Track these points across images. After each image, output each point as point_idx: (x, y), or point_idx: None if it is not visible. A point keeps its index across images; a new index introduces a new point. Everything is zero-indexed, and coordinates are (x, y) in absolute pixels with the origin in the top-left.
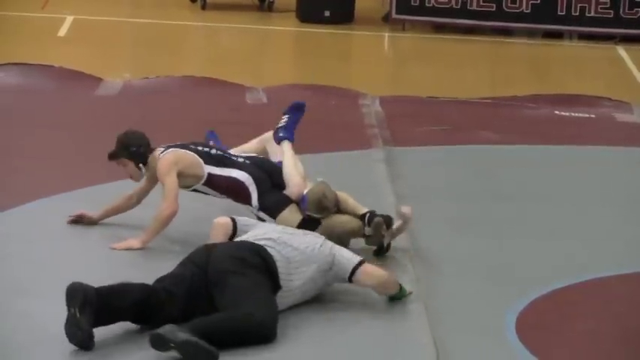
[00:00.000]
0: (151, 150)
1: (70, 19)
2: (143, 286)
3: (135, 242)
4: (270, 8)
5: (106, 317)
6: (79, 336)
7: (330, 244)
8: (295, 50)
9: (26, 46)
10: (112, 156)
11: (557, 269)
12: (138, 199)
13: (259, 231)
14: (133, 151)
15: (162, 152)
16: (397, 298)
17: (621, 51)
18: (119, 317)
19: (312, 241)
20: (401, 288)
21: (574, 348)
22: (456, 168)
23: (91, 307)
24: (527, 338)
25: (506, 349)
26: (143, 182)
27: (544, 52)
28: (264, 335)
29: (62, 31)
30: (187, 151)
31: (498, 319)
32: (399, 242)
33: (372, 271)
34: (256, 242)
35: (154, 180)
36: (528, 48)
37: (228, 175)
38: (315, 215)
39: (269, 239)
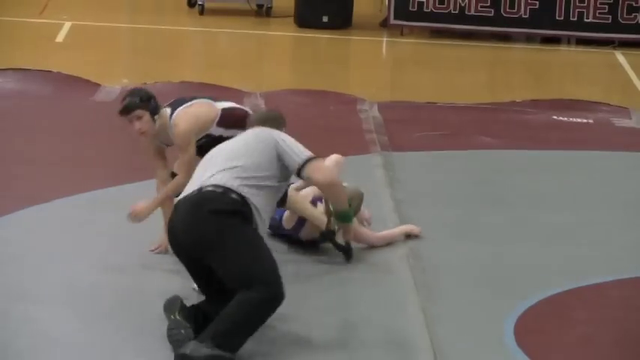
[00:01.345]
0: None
1: (67, 24)
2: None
3: (140, 206)
4: (267, 13)
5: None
6: (182, 335)
7: (272, 134)
8: (293, 55)
9: (24, 52)
10: (131, 107)
11: (556, 274)
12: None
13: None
14: (151, 102)
15: (171, 112)
16: (344, 217)
17: (619, 56)
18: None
19: (258, 144)
20: (351, 209)
21: (572, 353)
22: (454, 173)
23: (188, 313)
24: (525, 343)
25: (504, 355)
26: (159, 165)
27: (542, 57)
28: (278, 300)
29: (60, 37)
30: (199, 100)
31: (496, 324)
32: (397, 247)
33: (323, 169)
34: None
35: (162, 151)
36: (527, 53)
37: (243, 107)
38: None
39: (234, 168)
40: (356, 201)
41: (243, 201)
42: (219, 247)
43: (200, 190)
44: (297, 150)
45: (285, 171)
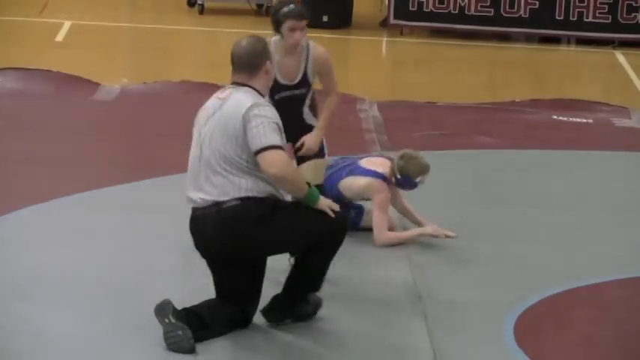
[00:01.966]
0: None
1: (67, 24)
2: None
3: (311, 139)
4: (267, 13)
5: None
6: (180, 336)
7: (243, 119)
8: None
9: (24, 51)
10: (307, 16)
11: (556, 274)
12: None
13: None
14: None
15: None
16: (308, 201)
17: (619, 56)
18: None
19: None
20: (311, 190)
21: (572, 353)
22: (453, 173)
23: (180, 315)
24: (525, 343)
25: (504, 355)
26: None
27: (542, 57)
28: (344, 230)
29: (60, 36)
30: None
31: (496, 323)
32: (397, 247)
33: (273, 161)
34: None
35: None
36: (526, 53)
37: None
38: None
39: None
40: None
41: (261, 198)
42: (273, 243)
43: (218, 206)
44: (258, 134)
45: None
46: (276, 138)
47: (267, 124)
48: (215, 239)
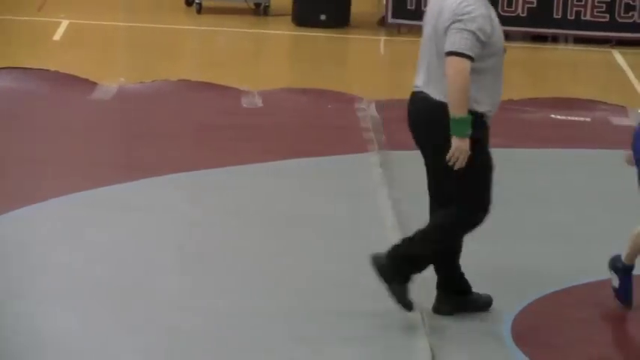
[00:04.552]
0: None
1: (65, 23)
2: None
3: None
4: (265, 12)
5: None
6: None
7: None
8: (291, 54)
9: (21, 50)
10: None
11: (555, 272)
12: None
13: None
14: None
15: None
16: (458, 127)
17: (617, 55)
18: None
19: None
20: (465, 118)
21: (570, 353)
22: None
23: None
24: (523, 343)
25: (503, 353)
26: None
27: (540, 56)
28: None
29: (57, 35)
30: None
31: (496, 323)
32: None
33: (456, 66)
34: None
35: None
36: (524, 52)
37: None
38: None
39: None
40: None
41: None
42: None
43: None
44: (453, 39)
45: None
46: (464, 47)
47: (465, 33)
48: (428, 134)
